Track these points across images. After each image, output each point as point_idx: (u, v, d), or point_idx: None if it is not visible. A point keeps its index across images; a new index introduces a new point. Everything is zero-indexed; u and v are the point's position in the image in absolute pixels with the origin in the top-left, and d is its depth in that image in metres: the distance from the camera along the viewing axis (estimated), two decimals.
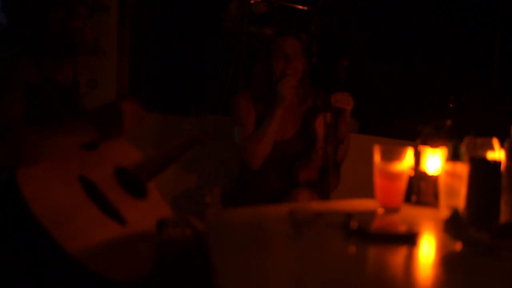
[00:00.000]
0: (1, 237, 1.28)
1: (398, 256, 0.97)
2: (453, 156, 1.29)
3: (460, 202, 1.15)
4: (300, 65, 2.28)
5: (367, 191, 1.39)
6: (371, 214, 1.29)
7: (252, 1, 3.12)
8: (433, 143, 1.44)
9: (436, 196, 1.38)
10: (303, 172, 2.30)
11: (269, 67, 2.28)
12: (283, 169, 2.31)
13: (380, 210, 1.31)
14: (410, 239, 1.02)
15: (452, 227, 1.01)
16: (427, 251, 1.02)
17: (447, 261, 0.94)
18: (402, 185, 1.32)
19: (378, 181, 1.32)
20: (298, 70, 2.27)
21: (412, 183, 1.43)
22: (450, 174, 1.28)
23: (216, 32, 3.34)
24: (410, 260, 0.96)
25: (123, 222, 1.44)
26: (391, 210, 1.31)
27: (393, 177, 1.31)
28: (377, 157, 1.31)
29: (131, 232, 1.44)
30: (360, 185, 2.00)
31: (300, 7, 3.31)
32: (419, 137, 1.47)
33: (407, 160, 1.31)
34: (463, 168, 1.20)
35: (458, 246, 0.99)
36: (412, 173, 1.39)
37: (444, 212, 1.26)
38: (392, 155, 1.30)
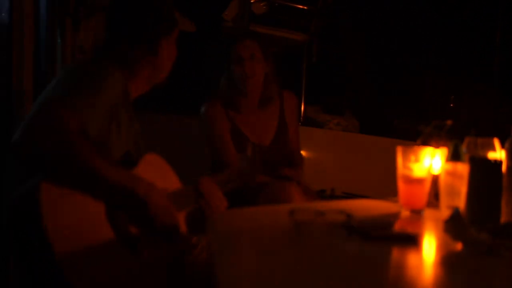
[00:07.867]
0: (11, 247, 1.23)
1: (398, 256, 0.96)
2: (454, 156, 1.29)
3: (461, 202, 1.15)
4: (258, 67, 2.31)
5: (368, 190, 1.39)
6: (371, 214, 1.29)
7: (252, 1, 3.11)
8: (434, 143, 1.44)
9: (436, 196, 1.37)
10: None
11: (230, 71, 2.36)
12: (267, 170, 2.20)
13: (405, 213, 1.30)
14: (410, 239, 1.02)
15: (453, 227, 1.01)
16: (427, 251, 1.02)
17: (448, 261, 0.94)
18: (426, 186, 1.30)
19: (401, 184, 1.30)
20: (255, 72, 2.31)
21: None
22: (451, 174, 1.28)
23: (216, 32, 3.34)
24: (410, 260, 0.96)
25: (137, 253, 1.38)
26: (415, 211, 1.30)
27: (417, 179, 1.29)
28: (399, 160, 1.30)
29: (142, 264, 1.37)
30: (361, 185, 2.01)
31: (300, 6, 3.31)
32: (420, 137, 1.47)
33: (430, 161, 1.29)
34: (463, 168, 1.20)
35: (458, 246, 0.98)
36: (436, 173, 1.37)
37: (444, 212, 1.26)
38: (414, 157, 1.28)
